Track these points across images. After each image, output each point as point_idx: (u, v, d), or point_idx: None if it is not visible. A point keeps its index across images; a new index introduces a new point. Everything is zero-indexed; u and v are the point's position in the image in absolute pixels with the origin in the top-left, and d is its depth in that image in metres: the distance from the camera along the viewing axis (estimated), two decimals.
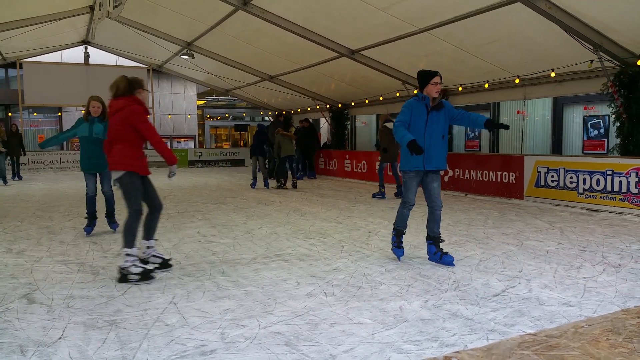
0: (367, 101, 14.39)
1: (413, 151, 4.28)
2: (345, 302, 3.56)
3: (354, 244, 5.54)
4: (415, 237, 5.84)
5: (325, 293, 3.79)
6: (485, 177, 9.60)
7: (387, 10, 8.62)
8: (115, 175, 4.49)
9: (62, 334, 3.04)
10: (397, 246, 4.82)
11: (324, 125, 18.83)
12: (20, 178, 14.44)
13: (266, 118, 18.53)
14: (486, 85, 10.41)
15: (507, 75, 9.81)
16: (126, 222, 4.35)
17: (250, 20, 10.71)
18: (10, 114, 24.22)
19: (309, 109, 17.39)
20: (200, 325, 3.17)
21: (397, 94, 12.48)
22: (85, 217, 6.43)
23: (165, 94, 27.02)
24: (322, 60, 12.15)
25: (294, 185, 11.57)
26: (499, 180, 9.33)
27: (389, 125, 9.21)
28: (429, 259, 4.74)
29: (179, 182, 13.91)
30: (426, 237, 4.78)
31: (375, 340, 2.89)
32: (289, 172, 11.94)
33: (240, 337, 2.98)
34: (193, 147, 27.19)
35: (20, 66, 17.89)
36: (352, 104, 15.38)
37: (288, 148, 11.65)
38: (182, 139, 28.32)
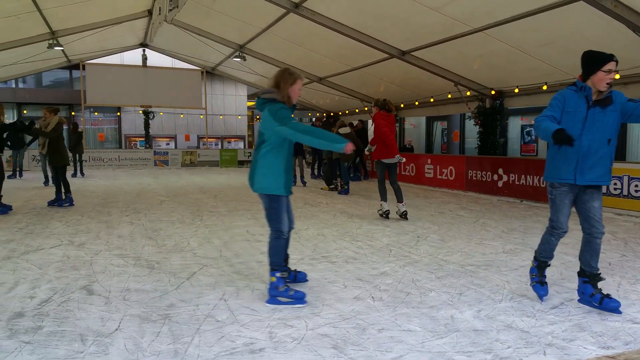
0: (417, 103, 14.19)
1: (561, 142, 3.13)
2: (394, 308, 3.51)
3: (402, 248, 5.46)
4: (466, 244, 5.69)
5: (372, 297, 3.75)
6: (543, 183, 9.23)
7: (439, 10, 8.46)
8: None
9: (119, 326, 3.15)
10: (539, 282, 3.71)
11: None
12: (82, 175, 15.10)
13: (313, 119, 18.70)
14: (544, 87, 10.02)
15: (567, 77, 9.41)
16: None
17: (301, 23, 10.80)
18: (73, 113, 25.54)
19: (357, 110, 17.34)
20: (249, 323, 3.21)
21: (449, 96, 12.23)
22: None
23: (217, 96, 27.66)
24: (372, 62, 12.08)
25: (336, 188, 11.58)
26: None
27: (343, 130, 10.24)
28: (579, 300, 3.64)
29: (228, 181, 14.20)
30: (578, 273, 3.63)
31: (425, 349, 2.83)
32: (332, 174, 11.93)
33: (288, 337, 2.99)
34: (242, 147, 27.71)
35: (83, 68, 18.80)
36: (402, 105, 15.21)
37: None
38: (233, 139, 28.93)
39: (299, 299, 3.59)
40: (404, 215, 7.36)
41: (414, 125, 19.78)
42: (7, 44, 12.71)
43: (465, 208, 8.74)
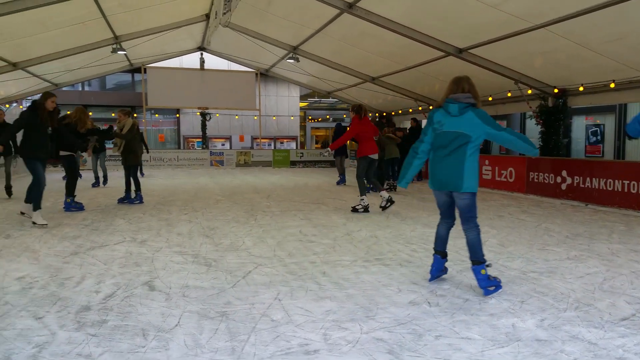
0: None
1: None
2: (451, 314, 3.41)
3: (458, 252, 5.30)
4: (528, 249, 5.47)
5: (429, 302, 3.67)
6: (610, 186, 8.73)
7: (499, 6, 8.19)
8: None
9: (178, 322, 3.25)
10: None
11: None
12: (142, 174, 15.60)
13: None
14: (612, 85, 9.47)
15: (637, 74, 8.86)
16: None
17: (355, 23, 10.76)
18: (135, 115, 26.69)
19: (410, 110, 17.10)
20: (303, 324, 3.21)
21: (509, 94, 11.81)
22: None
23: (271, 97, 28.09)
24: (427, 60, 11.86)
25: (392, 188, 11.40)
26: (626, 190, 8.43)
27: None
28: None
29: (281, 181, 14.38)
30: None
31: (486, 358, 2.73)
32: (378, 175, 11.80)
33: (343, 339, 2.97)
34: (295, 147, 27.98)
35: (145, 71, 19.61)
36: None
37: (391, 150, 11.49)
38: (285, 140, 29.30)
39: (499, 283, 3.95)
40: (389, 203, 8.16)
41: None
42: (75, 49, 13.42)
43: (526, 212, 8.41)
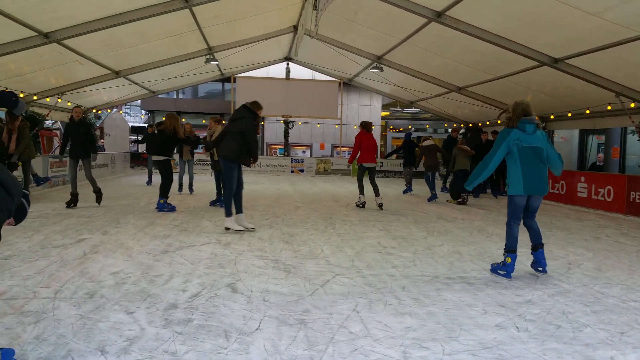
0: (569, 114, 12.93)
1: None
2: (542, 342, 3.18)
3: (551, 275, 4.96)
4: (628, 276, 5.00)
5: (517, 327, 3.44)
6: None
7: (600, 15, 7.61)
8: None
9: (259, 326, 3.30)
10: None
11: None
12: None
13: (449, 130, 18.11)
14: None
15: None
16: None
17: (442, 31, 10.51)
18: (223, 122, 27.93)
19: (499, 122, 16.36)
20: (382, 339, 3.14)
21: (609, 107, 10.95)
22: None
23: (352, 106, 28.22)
24: (519, 70, 11.31)
25: (464, 201, 11.08)
26: None
27: (427, 143, 11.84)
28: None
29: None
30: None
31: None
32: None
33: (424, 359, 2.86)
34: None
35: (234, 80, 20.48)
36: (552, 117, 13.99)
37: (462, 162, 11.23)
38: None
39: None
40: (380, 206, 9.73)
41: (564, 139, 18.10)
42: (172, 59, 14.31)
43: (626, 234, 7.71)
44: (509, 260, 4.81)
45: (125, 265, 4.87)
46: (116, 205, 9.30)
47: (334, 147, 29.06)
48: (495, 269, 4.96)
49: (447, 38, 10.87)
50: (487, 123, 17.34)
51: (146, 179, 14.13)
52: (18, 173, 9.53)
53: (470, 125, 17.56)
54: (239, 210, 6.96)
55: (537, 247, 4.99)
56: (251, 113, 6.87)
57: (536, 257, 4.99)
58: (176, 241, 6.11)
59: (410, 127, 32.85)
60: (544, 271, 4.96)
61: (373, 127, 10.39)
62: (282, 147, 24.48)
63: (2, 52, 9.14)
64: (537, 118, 4.87)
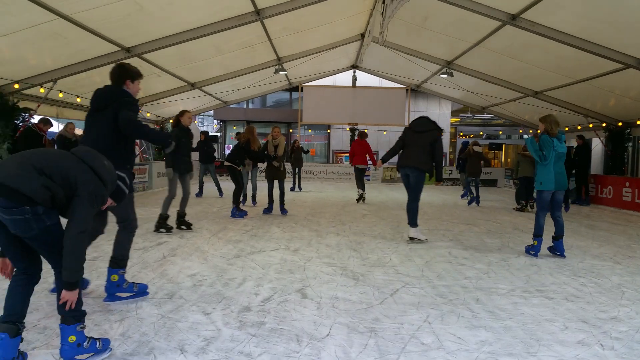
0: None
1: None
2: None
3: (638, 290, 4.61)
4: None
5: (602, 345, 3.23)
6: None
7: None
8: None
9: (329, 332, 3.32)
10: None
11: (597, 146, 16.51)
12: (300, 189, 15.73)
13: (525, 136, 17.33)
14: None
15: None
16: None
17: (517, 35, 10.14)
18: (291, 130, 28.51)
19: (579, 127, 15.49)
20: (455, 352, 3.05)
21: None
22: None
23: (420, 112, 27.74)
24: (601, 73, 10.66)
25: (524, 206, 10.88)
26: None
27: (477, 149, 12.39)
28: None
29: (428, 198, 14.04)
30: None
31: None
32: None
33: None
34: (444, 164, 27.19)
35: (301, 89, 20.84)
36: (638, 122, 13.06)
37: (526, 169, 10.79)
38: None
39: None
40: (361, 197, 12.20)
41: None
42: (243, 71, 14.82)
43: None
44: (535, 242, 6.14)
45: (201, 268, 5.07)
46: (191, 211, 9.72)
47: None
48: (527, 249, 6.26)
49: (522, 41, 10.47)
50: (566, 129, 16.46)
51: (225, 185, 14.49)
52: None
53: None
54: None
55: (558, 237, 6.09)
56: (436, 126, 7.05)
57: (556, 245, 6.11)
58: (247, 246, 6.29)
59: (481, 133, 31.85)
60: (562, 256, 6.03)
61: (367, 136, 12.54)
62: (348, 154, 24.55)
63: (90, 67, 9.87)
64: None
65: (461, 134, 31.94)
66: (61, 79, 9.92)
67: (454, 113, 29.62)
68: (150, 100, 14.33)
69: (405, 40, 13.70)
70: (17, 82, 9.51)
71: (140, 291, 4.05)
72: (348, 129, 22.56)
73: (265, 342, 3.13)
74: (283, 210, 9.57)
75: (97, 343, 2.82)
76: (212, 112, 29.50)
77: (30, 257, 2.75)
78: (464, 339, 3.29)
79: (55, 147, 10.60)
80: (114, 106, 3.67)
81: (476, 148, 12.36)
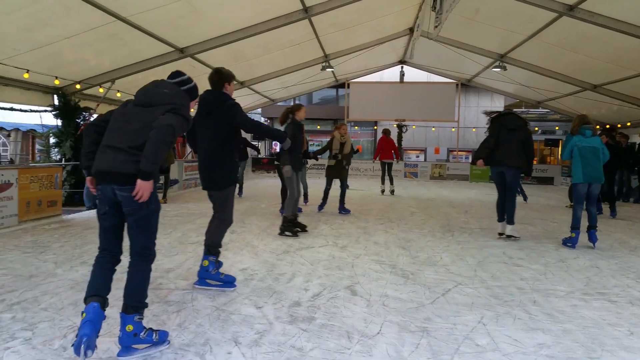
0: None
1: None
2: None
3: None
4: None
5: None
6: None
7: None
8: None
9: (380, 330, 3.29)
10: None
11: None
12: (347, 187, 15.53)
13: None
14: None
15: None
16: None
17: (574, 26, 9.71)
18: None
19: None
20: (512, 354, 2.96)
21: None
22: None
23: (471, 107, 27.14)
24: None
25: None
26: None
27: None
28: None
29: (479, 196, 13.71)
30: None
31: None
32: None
33: None
34: None
35: (348, 86, 20.78)
36: None
37: None
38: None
39: None
40: (392, 192, 13.19)
41: None
42: (290, 68, 14.96)
43: None
44: (573, 235, 6.44)
45: (252, 262, 5.16)
46: (241, 207, 9.91)
47: (449, 151, 28.17)
48: (565, 241, 6.58)
49: (580, 32, 10.03)
50: (628, 124, 15.63)
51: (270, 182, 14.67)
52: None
53: (608, 126, 15.93)
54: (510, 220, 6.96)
55: (590, 228, 6.46)
56: (525, 122, 7.06)
57: (589, 236, 6.44)
58: (296, 242, 6.34)
59: (536, 129, 30.70)
60: (593, 246, 6.39)
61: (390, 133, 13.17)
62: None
63: (145, 67, 10.24)
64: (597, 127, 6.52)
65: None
66: (119, 79, 10.35)
67: (507, 107, 28.68)
68: None
69: (455, 34, 13.39)
70: (79, 82, 9.99)
71: (228, 281, 4.23)
72: (395, 125, 22.30)
73: (316, 337, 3.14)
74: (344, 210, 9.27)
75: (154, 335, 2.92)
76: (259, 109, 29.94)
77: (120, 243, 3.07)
78: (521, 341, 3.18)
79: None
80: (222, 109, 4.17)
81: None
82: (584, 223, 6.45)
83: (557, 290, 4.42)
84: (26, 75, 8.54)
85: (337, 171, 9.15)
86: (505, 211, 6.96)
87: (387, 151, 12.72)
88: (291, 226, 6.79)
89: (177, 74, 3.40)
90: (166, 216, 8.39)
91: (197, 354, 2.87)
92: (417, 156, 29.04)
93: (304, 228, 7.02)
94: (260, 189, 14.20)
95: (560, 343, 3.16)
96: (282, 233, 6.77)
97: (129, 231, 2.98)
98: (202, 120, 4.26)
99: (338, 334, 3.21)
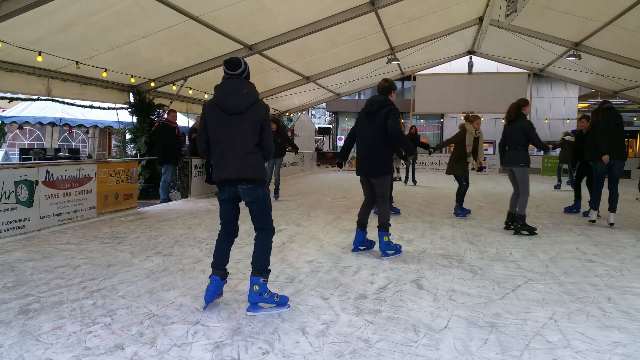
0: None
1: None
2: None
3: None
4: None
5: None
6: None
7: None
8: None
9: (447, 324, 3.31)
10: None
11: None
12: (414, 183, 14.72)
13: None
14: None
15: None
16: None
17: None
18: (402, 120, 28.15)
19: None
20: (585, 352, 2.89)
21: None
22: None
23: (544, 98, 25.88)
24: None
25: None
26: None
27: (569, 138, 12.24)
28: None
29: (551, 190, 13.11)
30: None
31: None
32: None
33: None
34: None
35: (414, 79, 20.47)
36: None
37: None
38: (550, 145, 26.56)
39: None
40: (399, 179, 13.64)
41: None
42: (356, 62, 14.94)
43: None
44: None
45: (318, 255, 5.29)
46: (307, 201, 10.11)
47: None
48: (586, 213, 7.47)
49: None
50: None
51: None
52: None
53: None
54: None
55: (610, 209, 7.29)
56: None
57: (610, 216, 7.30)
58: None
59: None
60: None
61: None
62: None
63: (216, 65, 10.63)
64: None
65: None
66: (191, 76, 10.83)
67: (582, 98, 27.13)
68: (269, 94, 15.06)
69: (527, 22, 12.82)
70: (153, 80, 10.55)
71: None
72: (463, 117, 21.69)
73: (382, 329, 3.21)
74: (463, 211, 8.38)
75: (275, 296, 3.56)
76: (324, 104, 30.17)
77: (237, 222, 3.76)
78: (595, 339, 3.08)
79: (187, 140, 11.61)
80: (385, 111, 5.14)
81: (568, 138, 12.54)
82: None
83: (634, 287, 4.21)
84: (104, 75, 9.12)
85: (463, 168, 8.31)
86: (599, 200, 7.60)
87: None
88: (527, 225, 6.73)
89: (236, 63, 3.64)
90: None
91: (266, 341, 3.02)
92: (486, 149, 28.10)
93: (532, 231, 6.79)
94: (325, 182, 14.37)
95: (637, 342, 3.04)
96: (517, 232, 6.70)
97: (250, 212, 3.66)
98: (366, 119, 5.28)
99: (404, 327, 3.26)
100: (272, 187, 9.99)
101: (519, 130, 6.74)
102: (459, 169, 8.30)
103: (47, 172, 6.62)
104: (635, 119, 28.73)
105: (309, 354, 2.84)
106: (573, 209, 9.10)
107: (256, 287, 3.46)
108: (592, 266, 4.97)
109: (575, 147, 9.67)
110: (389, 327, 3.24)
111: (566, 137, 12.73)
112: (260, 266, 3.53)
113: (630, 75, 13.92)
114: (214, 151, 3.56)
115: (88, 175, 7.45)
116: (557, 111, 25.89)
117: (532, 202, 10.33)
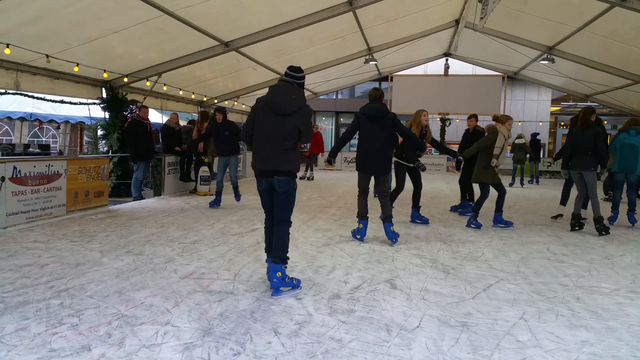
0: None
1: None
2: None
3: None
4: None
5: None
6: None
7: None
8: None
9: (419, 324, 3.32)
10: None
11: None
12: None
13: None
14: None
15: None
16: None
17: (628, 16, 9.24)
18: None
19: None
20: (554, 351, 2.93)
21: None
22: None
23: (517, 101, 26.35)
24: None
25: None
26: None
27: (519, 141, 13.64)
28: None
29: (524, 192, 13.35)
30: None
31: None
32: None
33: None
34: (542, 156, 25.62)
35: (391, 79, 20.59)
36: None
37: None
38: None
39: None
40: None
41: None
42: (334, 62, 14.93)
43: None
44: (612, 214, 8.01)
45: (292, 254, 5.23)
46: None
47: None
48: (610, 219, 7.79)
49: (634, 24, 9.55)
50: None
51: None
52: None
53: None
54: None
55: (629, 211, 7.85)
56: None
57: (628, 217, 7.86)
58: (336, 235, 6.41)
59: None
60: (632, 226, 7.74)
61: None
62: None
63: (191, 61, 10.49)
64: None
65: (562, 123, 29.86)
66: (165, 72, 10.65)
67: (555, 101, 27.75)
68: (245, 92, 14.93)
69: (502, 25, 13.02)
70: (126, 75, 10.34)
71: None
72: (438, 119, 21.95)
73: (355, 329, 3.20)
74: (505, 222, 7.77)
75: (294, 280, 4.01)
76: None
77: (273, 209, 4.12)
78: (563, 338, 3.14)
79: (160, 136, 11.43)
80: (390, 116, 5.92)
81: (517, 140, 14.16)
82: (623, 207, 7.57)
83: (602, 287, 4.31)
84: (76, 69, 8.86)
85: (494, 174, 7.76)
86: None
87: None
88: (605, 225, 6.98)
89: (300, 69, 4.23)
90: (209, 208, 8.64)
91: (237, 342, 2.97)
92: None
93: (582, 226, 7.33)
94: (301, 182, 14.32)
95: (604, 341, 3.10)
96: (600, 233, 6.94)
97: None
98: (369, 124, 5.93)
99: (377, 326, 3.26)
100: (230, 189, 9.47)
101: (592, 137, 7.00)
102: (489, 176, 7.59)
103: (15, 168, 6.42)
104: (605, 122, 29.47)
105: (281, 355, 2.81)
106: (459, 207, 9.23)
107: (279, 274, 3.85)
108: (562, 266, 5.07)
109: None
110: (362, 327, 3.24)
111: (517, 141, 14.31)
112: (281, 254, 3.94)
113: (602, 80, 14.28)
114: (256, 142, 4.05)
115: (57, 171, 7.26)
116: (530, 114, 26.39)
117: (505, 203, 10.48)
